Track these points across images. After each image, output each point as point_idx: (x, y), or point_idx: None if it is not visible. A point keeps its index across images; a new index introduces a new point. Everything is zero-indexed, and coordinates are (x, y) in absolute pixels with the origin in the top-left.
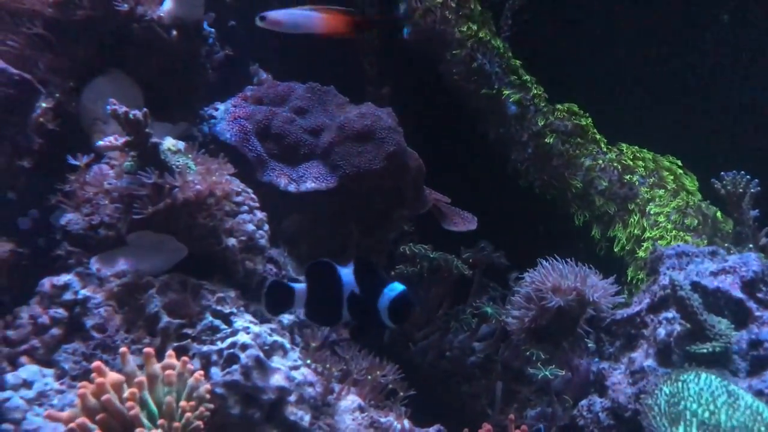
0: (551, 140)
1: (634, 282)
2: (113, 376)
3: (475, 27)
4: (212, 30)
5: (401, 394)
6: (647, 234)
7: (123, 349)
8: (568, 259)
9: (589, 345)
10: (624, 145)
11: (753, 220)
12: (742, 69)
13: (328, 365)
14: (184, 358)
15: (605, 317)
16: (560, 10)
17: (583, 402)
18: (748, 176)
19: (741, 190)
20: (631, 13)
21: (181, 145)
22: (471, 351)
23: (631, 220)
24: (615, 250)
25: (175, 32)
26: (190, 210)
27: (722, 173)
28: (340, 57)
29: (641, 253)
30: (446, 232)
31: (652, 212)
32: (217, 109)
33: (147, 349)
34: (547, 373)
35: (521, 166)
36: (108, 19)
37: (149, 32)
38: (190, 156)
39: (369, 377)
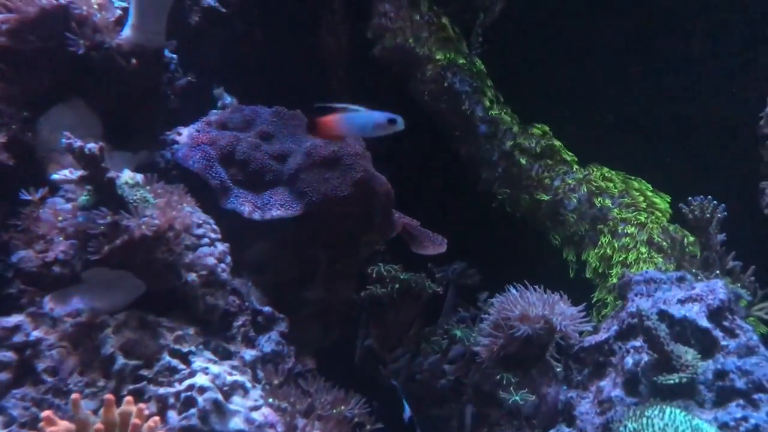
0: (522, 160)
1: (599, 304)
2: (64, 425)
3: (445, 50)
4: (174, 56)
5: (368, 427)
6: (617, 256)
7: (75, 395)
8: (537, 285)
9: (558, 370)
10: (594, 166)
11: (720, 244)
12: (714, 89)
13: (292, 400)
14: (140, 405)
15: (573, 344)
16: (531, 29)
17: (551, 431)
18: (714, 201)
19: (708, 216)
20: (603, 34)
21: (139, 177)
22: (442, 374)
23: (602, 241)
24: (587, 275)
25: (134, 60)
26: (148, 246)
27: (690, 198)
28: (308, 78)
29: (612, 279)
30: None
31: (622, 234)
32: (180, 134)
33: (108, 396)
34: (517, 398)
35: (492, 186)
36: (64, 49)
37: (108, 60)
38: (148, 188)
39: (334, 411)
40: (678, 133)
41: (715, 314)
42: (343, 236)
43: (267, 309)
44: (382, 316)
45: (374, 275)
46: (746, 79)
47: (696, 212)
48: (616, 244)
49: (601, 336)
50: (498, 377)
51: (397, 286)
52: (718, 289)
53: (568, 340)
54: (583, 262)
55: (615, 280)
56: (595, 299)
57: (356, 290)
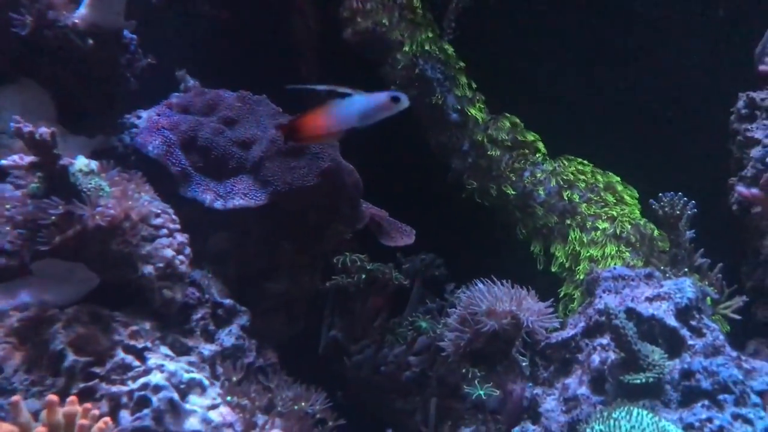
0: (492, 150)
1: (565, 298)
2: (6, 428)
3: (417, 32)
4: (134, 36)
5: (330, 423)
6: (584, 251)
7: (15, 398)
8: (505, 278)
9: (524, 365)
10: (565, 158)
11: (689, 241)
12: (686, 84)
13: (251, 396)
14: (86, 405)
15: (540, 340)
16: (504, 16)
17: (516, 429)
18: (684, 198)
19: (678, 212)
20: (577, 24)
21: (93, 164)
22: (407, 366)
23: (571, 235)
24: (553, 270)
25: (91, 41)
26: (102, 237)
27: (660, 194)
28: (275, 61)
29: (579, 275)
30: None
31: (591, 228)
32: (139, 117)
33: (50, 397)
34: (481, 392)
35: (462, 176)
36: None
37: (62, 40)
38: (104, 176)
39: (295, 408)
40: (649, 127)
41: (683, 313)
42: (308, 227)
43: (228, 301)
44: (347, 306)
45: (340, 265)
46: (718, 74)
47: (666, 208)
48: (584, 239)
49: (568, 333)
50: (464, 371)
51: (363, 276)
52: (686, 287)
53: (535, 336)
54: (552, 255)
55: (582, 276)
56: (562, 293)
57: (322, 281)
